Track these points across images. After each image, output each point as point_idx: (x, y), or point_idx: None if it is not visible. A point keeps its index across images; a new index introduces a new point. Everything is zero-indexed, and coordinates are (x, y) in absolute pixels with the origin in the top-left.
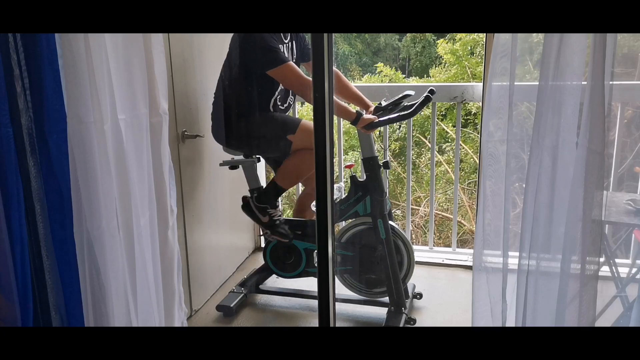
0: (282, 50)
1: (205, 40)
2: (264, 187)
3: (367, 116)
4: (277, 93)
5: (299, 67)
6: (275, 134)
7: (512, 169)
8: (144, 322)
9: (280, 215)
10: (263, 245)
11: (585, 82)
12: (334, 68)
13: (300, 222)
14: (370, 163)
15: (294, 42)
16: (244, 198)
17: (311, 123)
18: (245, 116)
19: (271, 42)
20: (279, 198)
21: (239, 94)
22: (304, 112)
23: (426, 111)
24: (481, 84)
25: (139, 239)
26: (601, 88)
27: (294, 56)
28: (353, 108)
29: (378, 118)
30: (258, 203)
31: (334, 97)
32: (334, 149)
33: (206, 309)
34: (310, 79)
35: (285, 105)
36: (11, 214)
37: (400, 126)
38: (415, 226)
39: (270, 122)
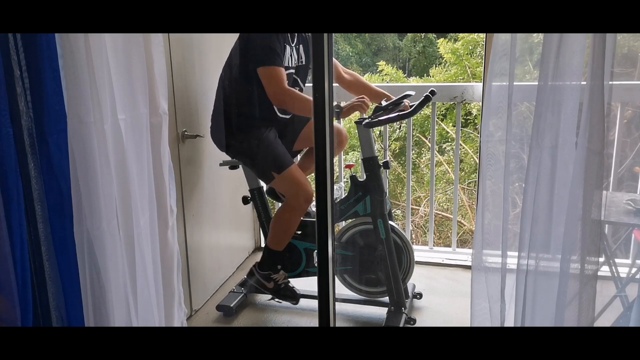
0: (285, 53)
1: (205, 40)
2: (261, 249)
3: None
4: None
5: (306, 71)
6: (264, 160)
7: (512, 168)
8: (144, 322)
9: (285, 278)
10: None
11: (585, 82)
12: (354, 72)
13: (300, 222)
14: (370, 163)
15: (301, 45)
16: (250, 270)
17: (300, 172)
18: (244, 127)
19: (272, 42)
20: (278, 263)
21: (241, 96)
22: None
23: (426, 111)
24: (481, 84)
25: (139, 239)
26: (601, 88)
27: (301, 58)
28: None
29: (378, 117)
30: (261, 271)
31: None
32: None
33: (206, 309)
34: (295, 91)
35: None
36: (11, 214)
37: (400, 126)
38: (415, 226)
39: (266, 146)
